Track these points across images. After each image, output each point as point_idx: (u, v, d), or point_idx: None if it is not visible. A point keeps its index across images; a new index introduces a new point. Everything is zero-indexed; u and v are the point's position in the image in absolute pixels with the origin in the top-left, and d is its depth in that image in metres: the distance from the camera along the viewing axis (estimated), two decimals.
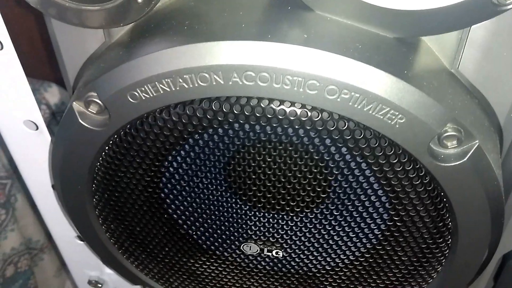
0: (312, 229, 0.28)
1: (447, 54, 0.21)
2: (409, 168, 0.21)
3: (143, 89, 0.20)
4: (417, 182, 0.22)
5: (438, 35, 0.20)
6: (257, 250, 0.27)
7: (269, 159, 0.24)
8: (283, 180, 0.25)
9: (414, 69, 0.20)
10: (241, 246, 0.27)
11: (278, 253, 0.27)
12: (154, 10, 0.21)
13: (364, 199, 0.25)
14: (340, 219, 0.27)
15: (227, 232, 0.28)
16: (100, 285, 0.39)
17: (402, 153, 0.20)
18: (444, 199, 0.22)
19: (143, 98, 0.21)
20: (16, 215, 0.62)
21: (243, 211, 0.28)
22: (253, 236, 0.27)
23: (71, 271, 0.40)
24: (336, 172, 0.24)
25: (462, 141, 0.20)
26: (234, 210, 0.28)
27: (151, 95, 0.20)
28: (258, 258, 0.29)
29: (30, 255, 0.65)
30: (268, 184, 0.26)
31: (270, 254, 0.27)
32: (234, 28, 0.21)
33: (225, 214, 0.28)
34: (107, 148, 0.24)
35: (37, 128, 0.29)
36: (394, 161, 0.21)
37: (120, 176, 0.25)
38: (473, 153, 0.20)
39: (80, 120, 0.23)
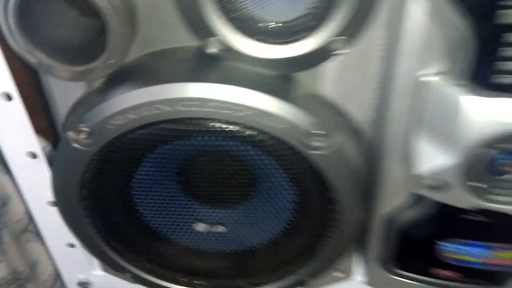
0: (242, 217, 0.38)
1: (312, 82, 0.32)
2: (296, 157, 0.32)
3: (117, 118, 0.31)
4: (305, 166, 0.32)
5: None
6: (204, 227, 0.37)
7: (205, 165, 0.35)
8: (217, 181, 0.36)
9: (292, 92, 0.31)
10: (193, 226, 0.37)
11: (219, 228, 0.37)
12: (120, 66, 0.31)
13: (274, 193, 0.36)
14: (261, 209, 0.38)
15: (182, 222, 0.39)
16: (87, 285, 0.48)
17: (290, 147, 0.31)
18: (325, 178, 0.33)
19: (117, 124, 0.31)
20: (4, 247, 0.70)
21: (192, 206, 0.38)
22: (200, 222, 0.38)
23: (63, 275, 0.48)
24: (254, 170, 0.35)
25: (327, 137, 0.31)
26: (186, 205, 0.38)
27: (123, 122, 0.31)
28: (204, 238, 0.39)
29: (17, 284, 0.73)
30: (204, 186, 0.36)
31: (213, 229, 0.37)
32: (176, 74, 0.31)
33: (179, 208, 0.38)
34: (93, 161, 0.33)
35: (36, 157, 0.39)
36: (288, 153, 0.32)
37: (102, 182, 0.35)
38: (333, 144, 0.31)
39: (73, 144, 0.33)
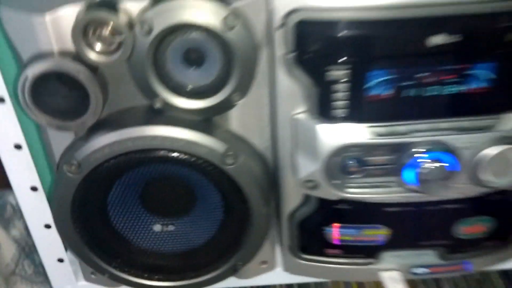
0: (188, 223, 0.54)
1: (224, 122, 0.49)
2: (218, 171, 0.48)
3: (96, 153, 0.47)
4: (225, 177, 0.49)
5: None
6: (160, 227, 0.52)
7: (158, 184, 0.51)
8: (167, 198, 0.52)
9: (211, 129, 0.48)
10: (152, 227, 0.53)
11: (170, 227, 0.53)
12: (97, 120, 0.48)
13: (208, 200, 0.52)
14: (200, 214, 0.53)
15: (144, 229, 0.54)
16: None
17: (213, 164, 0.48)
18: (238, 184, 0.49)
19: (97, 157, 0.47)
20: None
21: (150, 217, 0.54)
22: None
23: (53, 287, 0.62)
24: (192, 185, 0.51)
25: (235, 156, 0.48)
26: (146, 216, 0.54)
27: (100, 155, 0.47)
28: (160, 240, 0.54)
29: None
30: (160, 201, 0.52)
31: (167, 228, 0.53)
32: (135, 122, 0.48)
33: (141, 219, 0.54)
34: (79, 186, 0.49)
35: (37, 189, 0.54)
36: (212, 169, 0.48)
37: (86, 201, 0.50)
38: (241, 161, 0.48)
39: (67, 173, 0.48)
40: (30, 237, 0.92)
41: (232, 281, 0.59)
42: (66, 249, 0.59)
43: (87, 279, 0.60)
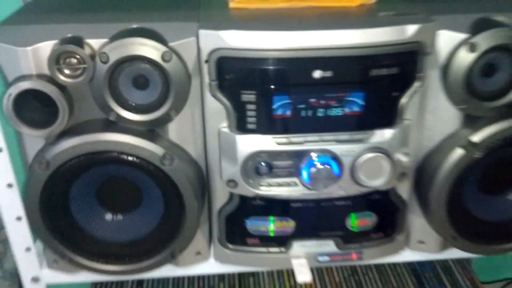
0: (135, 217, 0.67)
1: (164, 132, 0.63)
2: (158, 171, 0.62)
3: (62, 154, 0.60)
4: (163, 176, 0.62)
5: None
6: (110, 217, 0.65)
7: (111, 182, 0.64)
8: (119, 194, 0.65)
9: (152, 137, 0.62)
10: (104, 216, 0.65)
11: (119, 216, 0.66)
12: (63, 128, 0.61)
13: (152, 196, 0.65)
14: (147, 209, 0.67)
15: (98, 221, 0.66)
16: (38, 280, 0.72)
17: (154, 165, 0.61)
18: (175, 182, 0.63)
19: (62, 157, 0.60)
20: None
21: (103, 211, 0.67)
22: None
23: (20, 272, 0.73)
24: (139, 183, 0.64)
25: (171, 159, 0.61)
26: (100, 211, 0.66)
27: (65, 156, 0.60)
28: (112, 230, 0.67)
29: None
30: (112, 196, 0.65)
31: (117, 218, 0.65)
32: (94, 130, 0.61)
33: (96, 212, 0.66)
34: (46, 181, 0.61)
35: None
36: (153, 169, 0.62)
37: (51, 196, 0.63)
38: (176, 163, 0.62)
39: (37, 171, 0.61)
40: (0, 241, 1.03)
41: (172, 269, 0.72)
42: (34, 240, 0.71)
43: (50, 266, 0.72)
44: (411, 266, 1.12)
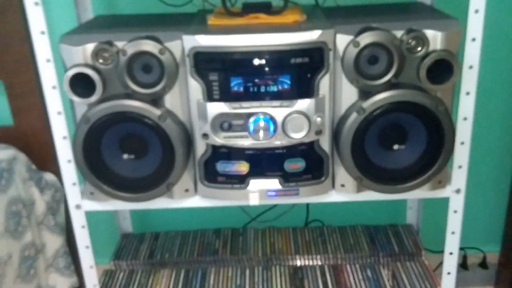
0: (143, 161, 1.01)
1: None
2: (156, 126, 0.96)
3: (98, 113, 0.95)
4: (160, 131, 0.96)
5: None
6: (127, 156, 1.00)
7: (130, 135, 0.99)
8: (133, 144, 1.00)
9: (154, 104, 0.97)
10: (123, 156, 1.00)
11: (132, 156, 1.00)
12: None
13: (155, 147, 0.99)
14: (151, 156, 1.01)
15: (119, 162, 1.01)
16: (80, 207, 1.07)
17: (156, 123, 0.96)
18: (168, 136, 0.97)
19: (97, 114, 0.95)
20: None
21: (122, 155, 1.01)
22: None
23: (68, 200, 1.07)
24: (148, 138, 0.99)
25: (165, 118, 0.95)
26: (121, 155, 1.01)
27: (99, 113, 0.95)
28: (128, 168, 1.01)
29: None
30: (129, 146, 1.00)
31: (131, 157, 1.00)
32: (117, 98, 0.97)
33: (118, 156, 1.01)
34: (87, 132, 0.96)
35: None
36: (155, 125, 0.96)
37: (91, 144, 0.98)
38: (168, 121, 0.96)
39: (82, 124, 0.96)
40: (56, 201, 1.42)
41: (169, 202, 1.05)
42: (78, 177, 1.06)
43: (88, 197, 1.06)
44: (368, 230, 1.41)
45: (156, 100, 0.97)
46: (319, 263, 1.30)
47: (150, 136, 0.99)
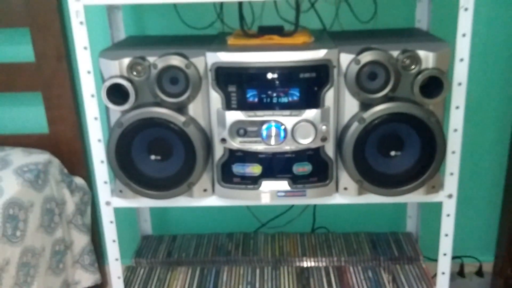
0: (168, 162, 1.14)
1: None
2: (181, 131, 1.09)
3: (130, 118, 1.08)
4: (184, 135, 1.09)
5: None
6: (154, 157, 1.12)
7: (157, 139, 1.12)
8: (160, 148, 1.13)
9: (179, 112, 1.10)
10: (150, 157, 1.12)
11: (158, 157, 1.13)
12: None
13: (185, 151, 1.12)
14: (175, 159, 1.14)
15: (147, 162, 1.14)
16: (110, 203, 1.19)
17: (180, 129, 1.09)
18: (191, 140, 1.09)
19: (130, 120, 1.09)
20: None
21: (150, 157, 1.14)
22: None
23: (100, 199, 1.20)
24: (173, 143, 1.12)
25: (189, 124, 1.09)
26: (148, 158, 1.14)
27: (132, 119, 1.08)
28: (155, 169, 1.13)
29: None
30: (156, 149, 1.13)
31: (157, 159, 1.12)
32: (148, 106, 1.10)
33: (146, 157, 1.13)
34: (120, 136, 1.10)
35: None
36: (180, 131, 1.09)
37: (122, 145, 1.11)
38: (191, 127, 1.09)
39: (116, 128, 1.09)
40: (83, 203, 1.56)
41: (189, 201, 1.17)
42: (109, 176, 1.18)
43: (117, 195, 1.19)
44: (370, 237, 1.52)
45: (181, 109, 1.11)
46: (324, 264, 1.41)
47: (175, 140, 1.12)
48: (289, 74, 1.07)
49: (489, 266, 1.57)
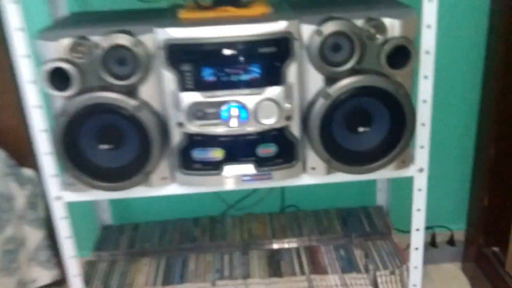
0: (119, 151, 1.05)
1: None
2: (132, 117, 1.00)
3: (75, 105, 0.99)
4: (136, 121, 1.00)
5: None
6: (105, 147, 1.03)
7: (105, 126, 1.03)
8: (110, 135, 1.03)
9: (130, 95, 1.00)
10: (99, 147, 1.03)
11: (107, 145, 1.04)
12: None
13: (130, 136, 1.03)
14: (128, 146, 1.05)
15: (96, 151, 1.04)
16: (60, 199, 1.10)
17: (131, 114, 0.99)
18: (145, 126, 1.01)
19: (75, 106, 0.99)
20: None
21: (99, 146, 1.04)
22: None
23: (48, 194, 1.10)
24: (123, 129, 1.03)
25: (140, 108, 0.99)
26: (98, 146, 1.04)
27: (77, 106, 0.98)
28: (103, 157, 1.04)
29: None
30: (106, 137, 1.03)
31: (107, 147, 1.03)
32: (93, 90, 1.00)
33: (95, 147, 1.04)
34: (67, 124, 1.00)
35: None
36: (133, 117, 1.00)
37: (68, 134, 1.01)
38: (143, 112, 1.00)
39: (60, 117, 0.99)
40: (35, 195, 1.44)
41: (147, 190, 1.09)
42: (58, 169, 1.09)
43: (67, 188, 1.10)
44: (340, 213, 1.48)
45: (131, 92, 1.01)
46: (295, 245, 1.36)
47: (127, 126, 1.03)
48: (247, 49, 0.98)
49: (461, 234, 1.56)
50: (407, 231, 1.47)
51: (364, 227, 1.41)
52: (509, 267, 1.33)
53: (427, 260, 1.41)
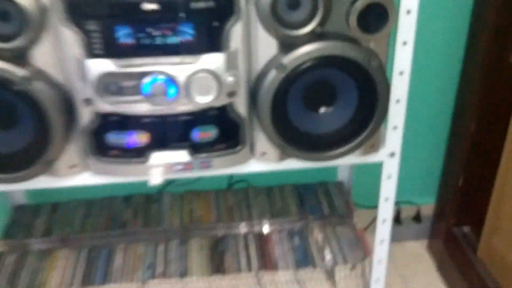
0: (9, 134, 0.80)
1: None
2: (22, 91, 0.75)
3: None
4: (27, 95, 0.75)
5: None
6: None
7: None
8: None
9: (20, 63, 0.75)
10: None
11: None
12: None
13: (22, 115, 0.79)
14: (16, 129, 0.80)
15: None
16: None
17: (19, 88, 0.74)
18: (39, 103, 0.76)
19: None
20: None
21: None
22: None
23: None
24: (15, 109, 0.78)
25: (31, 80, 0.74)
26: None
27: None
28: None
29: None
30: None
31: None
32: None
33: None
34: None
35: None
36: (18, 91, 0.75)
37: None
38: (36, 85, 0.75)
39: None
40: None
41: (52, 181, 0.86)
42: None
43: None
44: (297, 190, 1.29)
45: (20, 57, 0.75)
46: (243, 231, 1.17)
47: (17, 102, 0.78)
48: (175, 2, 0.73)
49: (428, 209, 1.42)
50: (370, 206, 1.32)
51: (323, 208, 1.23)
52: (481, 252, 1.20)
53: (391, 238, 1.26)
